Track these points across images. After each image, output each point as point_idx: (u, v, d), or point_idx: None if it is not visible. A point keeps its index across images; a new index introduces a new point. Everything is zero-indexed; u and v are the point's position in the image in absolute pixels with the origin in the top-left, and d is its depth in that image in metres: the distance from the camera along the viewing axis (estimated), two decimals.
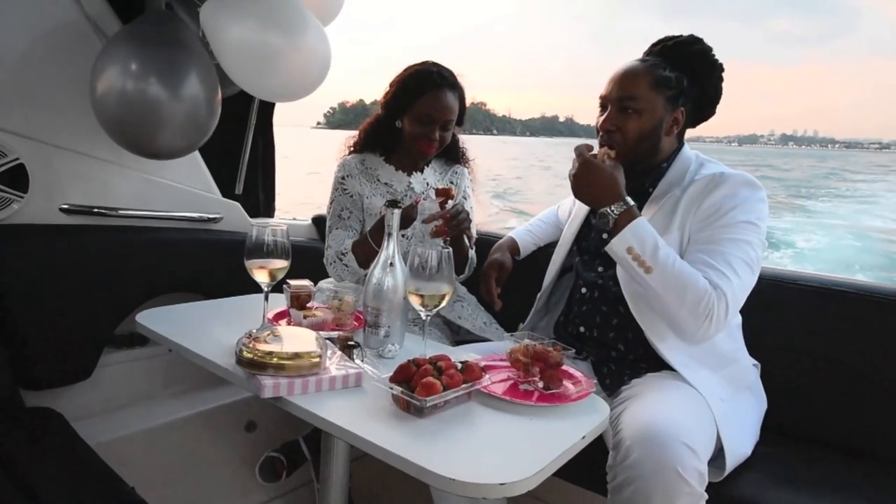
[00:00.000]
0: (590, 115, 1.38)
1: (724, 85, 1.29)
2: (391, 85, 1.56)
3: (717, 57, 1.28)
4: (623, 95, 1.23)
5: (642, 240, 1.09)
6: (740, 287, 1.09)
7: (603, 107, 1.28)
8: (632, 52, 1.48)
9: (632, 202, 1.14)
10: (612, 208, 1.13)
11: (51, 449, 1.17)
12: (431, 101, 1.49)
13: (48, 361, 1.41)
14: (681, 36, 1.28)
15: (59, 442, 1.20)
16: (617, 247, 1.12)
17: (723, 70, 1.28)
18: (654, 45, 1.31)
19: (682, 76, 1.25)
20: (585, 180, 1.17)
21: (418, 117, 1.50)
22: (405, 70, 1.55)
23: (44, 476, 1.06)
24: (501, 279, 1.51)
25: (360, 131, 1.65)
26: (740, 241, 1.10)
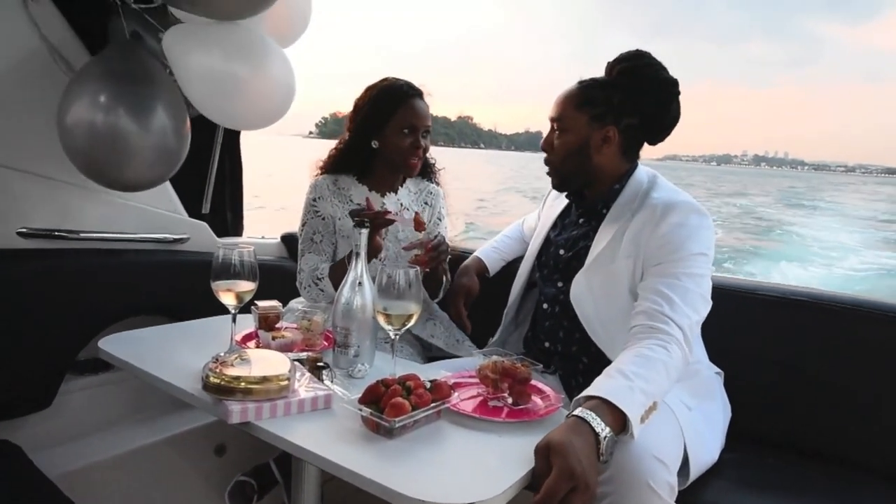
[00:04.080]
0: None
1: (675, 101, 1.26)
2: (358, 108, 1.55)
3: (659, 72, 1.26)
4: (553, 116, 1.32)
5: (634, 404, 0.90)
6: (697, 322, 1.11)
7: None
8: None
9: (589, 417, 0.85)
10: (604, 435, 0.85)
11: (8, 483, 1.12)
12: (409, 111, 1.50)
13: (5, 390, 1.35)
14: (628, 53, 1.29)
15: (16, 476, 1.16)
16: (638, 429, 0.91)
17: (667, 85, 1.26)
18: (608, 66, 1.32)
19: (613, 93, 1.26)
20: (570, 453, 0.79)
21: (400, 129, 1.50)
22: (368, 90, 1.55)
23: None
24: (468, 303, 1.51)
25: (329, 156, 1.63)
26: (696, 276, 1.12)
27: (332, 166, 1.62)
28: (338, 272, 1.46)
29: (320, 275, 1.49)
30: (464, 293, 1.51)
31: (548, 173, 1.36)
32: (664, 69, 1.27)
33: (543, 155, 1.36)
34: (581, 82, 1.30)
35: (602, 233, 1.27)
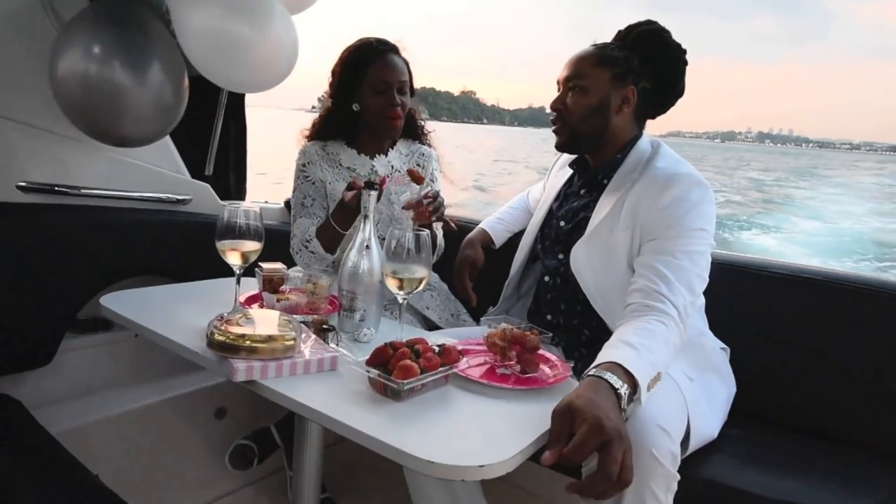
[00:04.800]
0: None
1: (686, 71, 1.27)
2: (334, 73, 1.54)
3: (674, 39, 1.27)
4: (570, 75, 1.28)
5: (643, 372, 0.89)
6: (692, 302, 1.10)
7: (559, 90, 1.31)
8: None
9: (606, 375, 0.86)
10: (623, 391, 0.85)
11: (8, 437, 1.12)
12: (381, 68, 1.47)
13: (5, 347, 1.34)
14: (640, 21, 1.29)
15: (17, 430, 1.16)
16: (645, 396, 0.91)
17: (681, 52, 1.27)
18: (620, 33, 1.31)
19: (631, 55, 1.25)
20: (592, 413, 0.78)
21: (373, 88, 1.47)
22: (342, 53, 1.53)
23: (1, 465, 1.02)
24: (473, 275, 1.50)
25: (313, 124, 1.61)
26: (695, 254, 1.11)
27: (318, 133, 1.60)
28: (325, 232, 1.44)
29: (308, 237, 1.47)
30: (469, 265, 1.49)
31: (554, 131, 1.32)
32: (673, 38, 1.28)
33: (546, 130, 1.34)
34: (596, 44, 1.28)
35: (602, 203, 1.25)
